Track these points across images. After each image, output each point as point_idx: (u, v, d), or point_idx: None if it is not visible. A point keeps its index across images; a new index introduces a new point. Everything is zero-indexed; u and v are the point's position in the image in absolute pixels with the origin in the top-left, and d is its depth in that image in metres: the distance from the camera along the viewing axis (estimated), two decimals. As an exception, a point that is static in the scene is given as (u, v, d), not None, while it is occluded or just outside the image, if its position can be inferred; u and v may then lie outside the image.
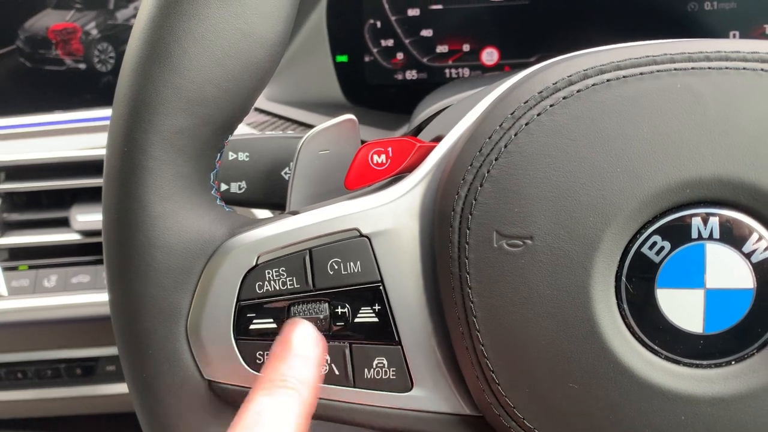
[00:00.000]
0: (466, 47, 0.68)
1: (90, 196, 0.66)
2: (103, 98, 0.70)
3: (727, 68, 0.29)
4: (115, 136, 0.33)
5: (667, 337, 0.30)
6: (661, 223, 0.29)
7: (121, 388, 0.68)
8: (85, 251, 0.66)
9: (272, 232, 0.34)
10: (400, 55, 0.69)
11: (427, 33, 0.68)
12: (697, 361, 0.30)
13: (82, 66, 0.71)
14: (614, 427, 0.30)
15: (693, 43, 0.30)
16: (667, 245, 0.29)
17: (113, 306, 0.34)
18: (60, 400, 0.70)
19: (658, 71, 0.29)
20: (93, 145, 0.66)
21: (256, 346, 0.34)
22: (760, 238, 0.29)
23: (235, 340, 0.34)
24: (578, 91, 0.30)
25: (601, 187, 0.29)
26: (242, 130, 0.64)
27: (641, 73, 0.29)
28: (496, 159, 0.31)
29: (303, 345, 0.32)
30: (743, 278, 0.29)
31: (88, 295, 0.65)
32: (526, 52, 0.67)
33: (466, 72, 0.68)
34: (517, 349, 0.31)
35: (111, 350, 0.67)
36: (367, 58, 0.70)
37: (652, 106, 0.29)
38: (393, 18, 0.68)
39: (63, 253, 0.66)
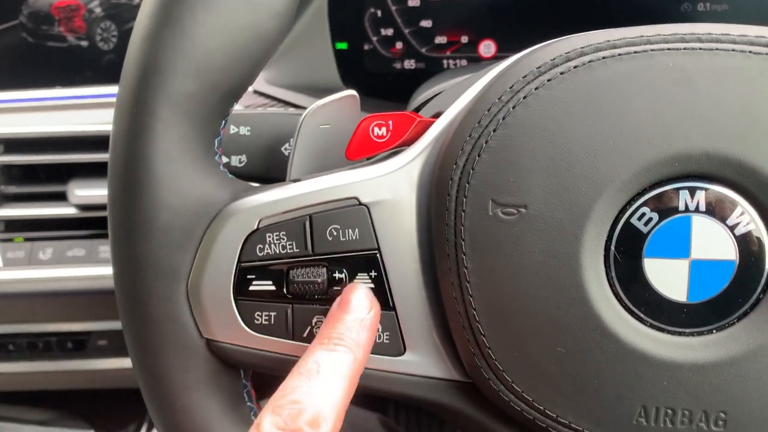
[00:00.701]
0: (464, 39, 0.69)
1: (88, 170, 0.66)
2: (105, 76, 0.71)
3: (717, 49, 0.30)
4: (125, 97, 0.34)
5: (652, 305, 0.31)
6: (650, 195, 0.31)
7: (113, 363, 0.69)
8: (82, 225, 0.67)
9: (274, 197, 0.35)
10: (399, 45, 0.70)
11: (426, 24, 0.69)
12: (680, 329, 0.31)
13: (84, 43, 0.71)
14: (599, 391, 0.31)
15: (685, 26, 0.31)
16: (655, 216, 0.30)
17: (115, 264, 0.35)
18: (51, 373, 0.71)
19: (651, 50, 0.31)
20: (93, 120, 0.67)
21: (254, 307, 0.35)
22: (744, 212, 0.30)
23: (235, 300, 0.35)
24: (575, 67, 0.31)
25: (594, 159, 0.30)
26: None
27: (635, 52, 0.31)
28: (494, 130, 0.32)
29: (360, 308, 0.34)
30: (727, 250, 0.30)
31: (82, 269, 0.65)
32: (522, 45, 0.68)
33: (464, 63, 0.69)
34: (507, 313, 0.32)
35: (103, 325, 0.67)
36: (366, 47, 0.71)
37: (645, 84, 0.30)
38: (393, 8, 0.69)
39: (59, 227, 0.67)
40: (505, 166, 0.31)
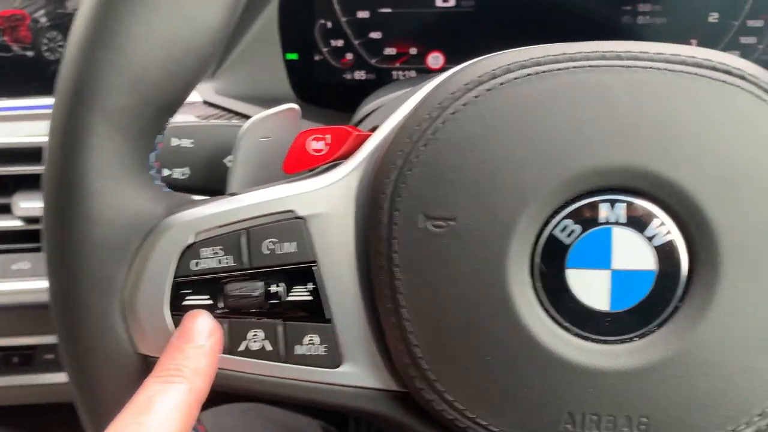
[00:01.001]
0: (413, 50, 0.70)
1: (33, 183, 0.65)
2: (51, 86, 0.70)
3: (636, 67, 0.31)
4: (59, 112, 0.34)
5: (577, 314, 0.32)
6: (572, 208, 0.31)
7: (60, 377, 0.68)
8: (27, 238, 0.66)
9: (210, 211, 0.35)
10: (349, 56, 0.71)
11: (375, 35, 0.70)
12: (604, 337, 0.32)
13: (30, 54, 0.70)
14: (528, 399, 0.32)
15: (606, 43, 0.32)
16: (578, 228, 0.31)
17: (50, 277, 0.35)
18: (-4, 389, 0.69)
19: (574, 67, 0.32)
20: (39, 132, 0.66)
21: None
22: (662, 223, 0.31)
23: (171, 315, 0.35)
24: (501, 84, 0.32)
25: (518, 174, 0.31)
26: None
27: (558, 69, 0.32)
28: (424, 145, 0.32)
29: (199, 335, 0.34)
30: (646, 260, 0.31)
31: (28, 283, 0.64)
32: (470, 57, 0.70)
33: (413, 74, 0.70)
34: (438, 324, 0.32)
35: (50, 339, 0.66)
36: (317, 57, 0.71)
37: (567, 100, 0.31)
38: (343, 19, 0.70)
39: (4, 240, 0.66)
40: (435, 180, 0.32)
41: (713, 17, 0.66)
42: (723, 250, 0.30)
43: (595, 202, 0.31)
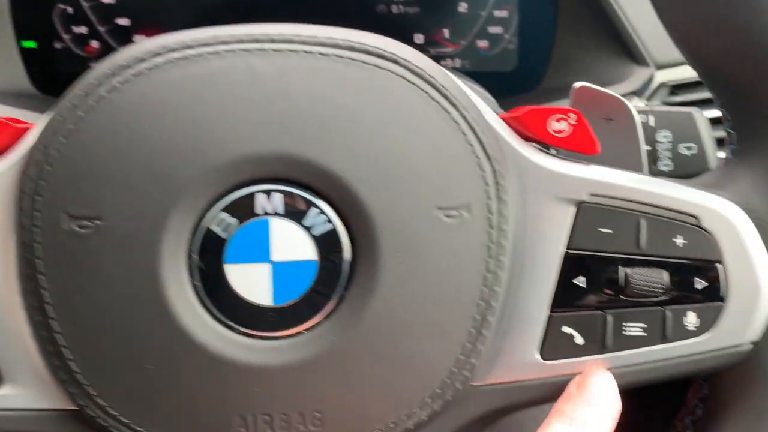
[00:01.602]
0: (164, 38, 0.66)
1: None
2: None
3: (288, 50, 0.30)
4: None
5: (240, 311, 0.30)
6: (227, 200, 0.30)
7: None
8: None
9: None
10: (94, 44, 0.65)
11: (123, 22, 0.66)
12: (270, 333, 0.31)
13: None
14: (195, 405, 0.30)
15: (261, 26, 0.31)
16: (234, 221, 0.30)
17: None
18: None
19: (224, 51, 0.30)
20: None
21: None
22: (320, 212, 0.30)
23: None
24: (147, 69, 0.30)
25: (167, 166, 0.29)
26: None
27: (207, 53, 0.30)
28: (65, 138, 0.29)
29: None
30: (306, 251, 0.30)
31: None
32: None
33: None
34: (93, 334, 0.30)
35: None
36: (58, 45, 0.65)
37: (216, 85, 0.30)
38: (86, 4, 0.65)
39: None
40: (77, 176, 0.29)
41: (462, 7, 0.68)
42: (381, 237, 0.30)
43: (250, 193, 0.30)
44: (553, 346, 0.33)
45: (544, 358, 0.33)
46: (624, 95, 0.63)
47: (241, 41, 0.30)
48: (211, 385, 0.30)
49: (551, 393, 0.34)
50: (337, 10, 0.67)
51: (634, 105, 0.62)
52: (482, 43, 0.68)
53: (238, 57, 0.30)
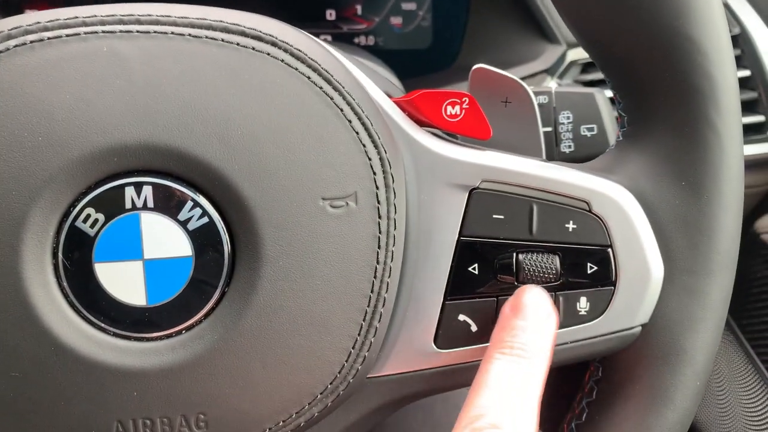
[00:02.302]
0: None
1: None
2: None
3: (155, 32, 0.28)
4: None
5: (113, 312, 0.28)
6: (93, 195, 0.28)
7: None
8: None
9: None
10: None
11: (13, -4, 0.61)
12: (146, 334, 0.29)
13: None
14: (70, 415, 0.28)
15: (127, 6, 0.29)
16: (102, 217, 0.28)
17: None
18: None
19: (85, 33, 0.28)
20: None
21: None
22: (195, 205, 0.29)
23: None
24: (0, 53, 0.27)
25: (23, 160, 0.27)
26: None
27: (67, 35, 0.28)
28: None
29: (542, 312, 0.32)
30: (181, 246, 0.29)
31: None
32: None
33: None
34: None
35: None
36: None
37: (77, 71, 0.27)
38: (-30, -24, 0.60)
39: None
40: None
41: (375, -18, 0.66)
42: (262, 230, 0.29)
43: (117, 186, 0.28)
44: (448, 334, 0.33)
45: (439, 347, 0.33)
46: (536, 73, 0.63)
47: (104, 22, 0.28)
48: (86, 392, 0.28)
49: (449, 382, 0.33)
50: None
51: (546, 83, 0.62)
52: (396, 20, 0.67)
53: (100, 39, 0.28)
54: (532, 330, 0.31)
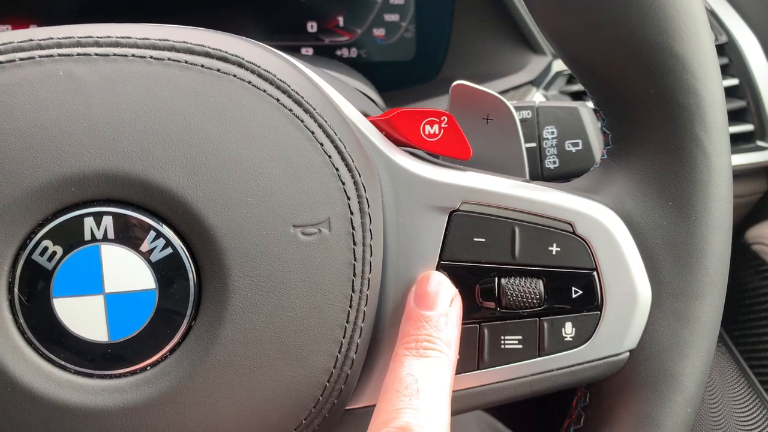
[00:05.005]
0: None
1: None
2: None
3: (115, 55, 0.27)
4: None
5: (73, 349, 0.27)
6: (50, 227, 0.26)
7: None
8: None
9: None
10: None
11: (-14, 11, 0.60)
12: (109, 372, 0.27)
13: None
14: None
15: (86, 27, 0.27)
16: (60, 250, 0.27)
17: None
18: None
19: (40, 57, 0.26)
20: None
21: None
22: (158, 236, 0.27)
23: None
24: None
25: None
26: None
27: (21, 59, 0.26)
28: None
29: (442, 301, 0.31)
30: (143, 279, 0.27)
31: None
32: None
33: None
34: None
35: None
36: None
37: (31, 97, 0.26)
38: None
39: None
40: None
41: (357, -7, 0.65)
42: (228, 260, 0.27)
43: (75, 217, 0.26)
44: None
45: None
46: (522, 84, 0.62)
47: (60, 45, 0.27)
48: None
49: None
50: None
51: (532, 95, 0.61)
52: (379, 32, 0.65)
53: (56, 63, 0.26)
54: (436, 320, 0.30)
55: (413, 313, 0.30)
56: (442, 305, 0.30)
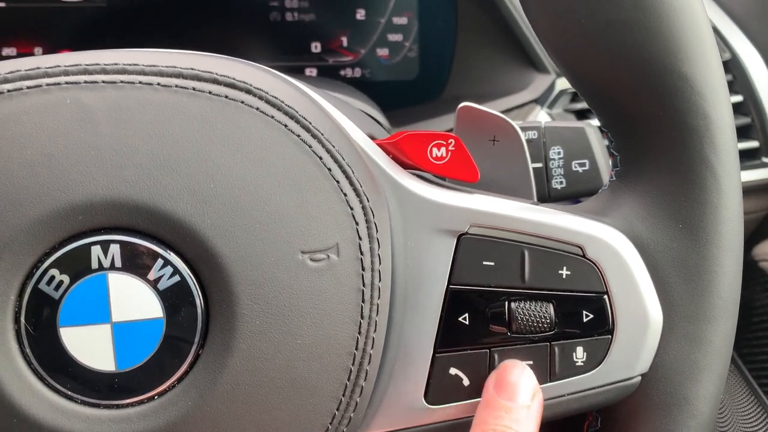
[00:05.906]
0: (38, 50, 0.61)
1: None
2: None
3: (122, 82, 0.27)
4: None
5: (80, 379, 0.27)
6: (57, 255, 0.26)
7: None
8: None
9: None
10: (-42, 58, 0.60)
11: (-9, 34, 0.60)
12: (116, 402, 0.27)
13: None
14: None
15: (93, 54, 0.27)
16: (67, 279, 0.26)
17: None
18: None
19: (47, 85, 0.26)
20: None
21: None
22: (166, 263, 0.27)
23: None
24: None
25: None
26: None
27: (28, 87, 0.26)
28: None
29: (524, 394, 0.30)
30: (151, 308, 0.27)
31: None
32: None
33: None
34: None
35: None
36: None
37: (38, 125, 0.26)
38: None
39: None
40: None
41: (360, 14, 0.65)
42: (236, 288, 0.27)
43: (83, 245, 0.26)
44: (439, 389, 0.31)
45: (430, 403, 0.31)
46: (526, 103, 0.62)
47: (67, 72, 0.27)
48: None
49: None
50: (228, 20, 0.63)
51: (536, 113, 0.61)
52: (382, 52, 0.66)
53: (63, 91, 0.26)
54: (517, 412, 0.29)
55: (492, 401, 0.30)
56: (523, 397, 0.30)
